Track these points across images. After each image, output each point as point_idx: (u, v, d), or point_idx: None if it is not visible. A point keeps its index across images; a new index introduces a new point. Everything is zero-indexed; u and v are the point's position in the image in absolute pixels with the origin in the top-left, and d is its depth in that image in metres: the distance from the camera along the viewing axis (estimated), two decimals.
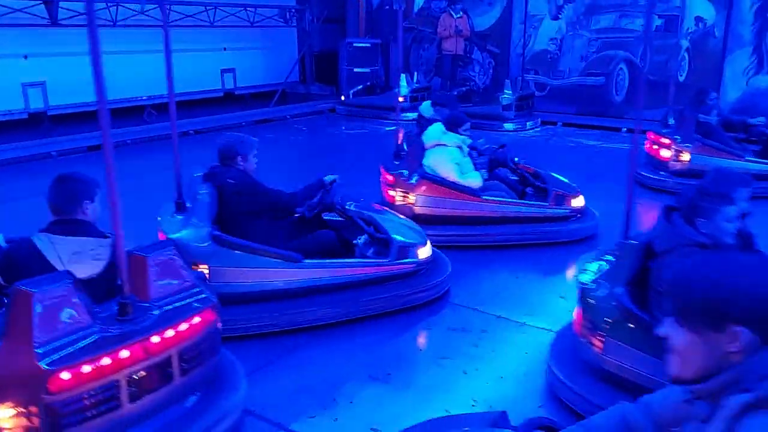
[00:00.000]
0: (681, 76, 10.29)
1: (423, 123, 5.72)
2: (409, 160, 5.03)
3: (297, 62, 13.03)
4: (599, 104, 10.86)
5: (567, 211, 5.02)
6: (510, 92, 10.31)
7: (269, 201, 3.68)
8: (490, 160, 5.43)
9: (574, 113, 11.09)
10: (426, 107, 5.91)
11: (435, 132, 4.98)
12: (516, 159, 5.40)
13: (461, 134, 5.03)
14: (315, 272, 3.59)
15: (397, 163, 5.21)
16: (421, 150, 5.03)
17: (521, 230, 4.93)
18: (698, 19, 10.06)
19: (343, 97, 12.13)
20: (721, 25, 9.87)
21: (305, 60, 13.42)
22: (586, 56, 11.12)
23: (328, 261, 3.68)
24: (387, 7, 12.86)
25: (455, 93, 11.27)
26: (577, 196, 5.09)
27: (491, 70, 12.17)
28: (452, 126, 5.00)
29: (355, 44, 12.43)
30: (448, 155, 4.88)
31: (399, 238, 3.83)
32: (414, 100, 11.42)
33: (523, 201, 5.07)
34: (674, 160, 6.49)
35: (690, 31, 10.14)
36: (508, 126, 10.25)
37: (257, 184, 3.69)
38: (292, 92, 13.11)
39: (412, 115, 11.28)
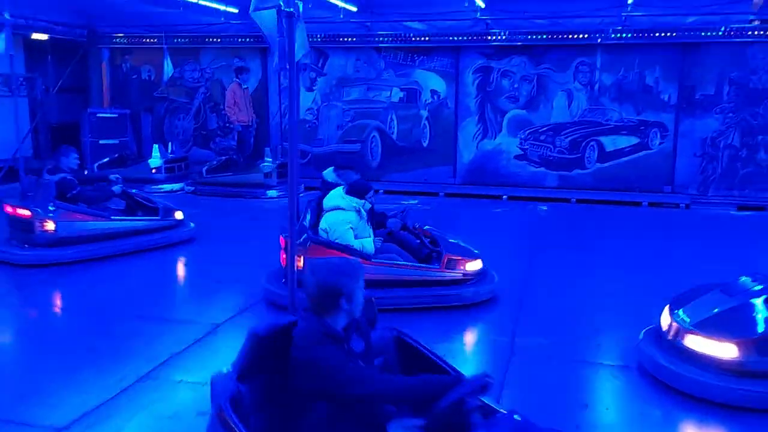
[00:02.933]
0: (425, 142, 11.36)
1: (326, 187, 5.67)
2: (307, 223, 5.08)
3: (28, 135, 11.44)
4: (358, 168, 11.37)
5: (460, 274, 5.08)
6: (270, 160, 10.28)
7: None
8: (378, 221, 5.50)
9: None
10: (329, 172, 5.98)
11: (335, 196, 5.06)
12: (417, 225, 5.56)
13: (366, 200, 5.08)
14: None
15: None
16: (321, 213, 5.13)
17: (415, 293, 4.96)
18: (433, 92, 11.28)
19: (86, 171, 10.89)
20: (452, 97, 11.19)
21: (39, 133, 11.88)
22: (342, 125, 11.68)
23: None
24: (135, 76, 12.16)
25: (215, 162, 10.90)
26: (473, 260, 5.16)
27: (252, 139, 12.09)
28: (357, 193, 5.03)
29: (99, 114, 11.43)
30: (344, 218, 4.94)
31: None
32: (170, 170, 10.75)
33: (414, 264, 5.09)
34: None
35: (428, 102, 11.30)
36: (271, 193, 10.15)
37: None
38: (25, 168, 11.40)
39: (169, 187, 10.61)
